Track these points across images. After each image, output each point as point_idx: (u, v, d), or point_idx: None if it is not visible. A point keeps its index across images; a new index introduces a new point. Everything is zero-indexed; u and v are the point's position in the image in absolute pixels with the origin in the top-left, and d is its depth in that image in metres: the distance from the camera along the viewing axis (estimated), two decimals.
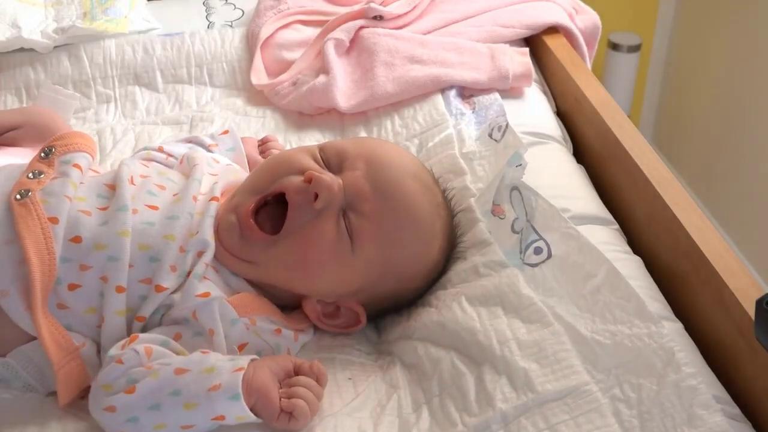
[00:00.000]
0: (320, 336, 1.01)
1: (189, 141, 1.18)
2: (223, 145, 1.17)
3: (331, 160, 0.98)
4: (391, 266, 0.97)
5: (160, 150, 1.13)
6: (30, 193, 0.93)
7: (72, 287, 0.90)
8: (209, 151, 1.16)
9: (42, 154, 1.00)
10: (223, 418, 0.83)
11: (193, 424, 0.83)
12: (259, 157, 1.20)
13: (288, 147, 1.34)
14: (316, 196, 0.93)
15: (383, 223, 0.95)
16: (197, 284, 0.91)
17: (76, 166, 0.98)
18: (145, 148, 1.15)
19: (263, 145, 1.24)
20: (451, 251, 1.04)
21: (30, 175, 0.96)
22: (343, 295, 0.98)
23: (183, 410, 0.82)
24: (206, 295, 0.91)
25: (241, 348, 0.91)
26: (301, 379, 0.88)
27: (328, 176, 0.94)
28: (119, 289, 0.90)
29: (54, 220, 0.92)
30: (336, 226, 0.94)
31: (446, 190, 1.07)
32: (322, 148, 1.00)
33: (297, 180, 0.95)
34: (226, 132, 1.20)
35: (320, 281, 0.97)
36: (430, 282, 1.02)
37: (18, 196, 0.93)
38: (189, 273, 0.93)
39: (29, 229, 0.90)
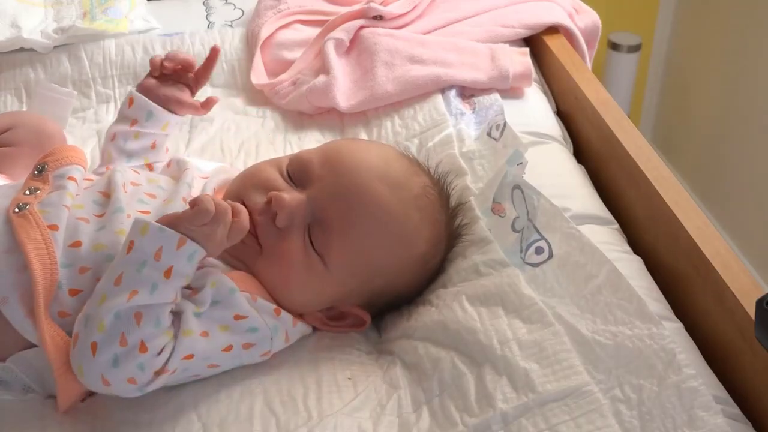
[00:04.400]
0: (320, 336, 1.00)
1: (114, 138, 1.13)
2: (140, 117, 1.12)
3: (298, 174, 0.98)
4: (373, 268, 0.97)
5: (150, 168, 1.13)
6: (28, 206, 0.94)
7: (73, 293, 0.90)
8: (138, 133, 1.13)
9: (35, 172, 1.00)
10: (170, 270, 0.83)
11: (138, 291, 0.83)
12: (168, 94, 1.13)
13: (288, 147, 1.34)
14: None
15: (350, 234, 0.94)
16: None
17: (71, 178, 0.99)
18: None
19: (169, 60, 1.13)
20: (449, 237, 1.03)
21: (26, 191, 0.97)
22: (334, 302, 0.98)
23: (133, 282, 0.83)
24: (199, 266, 0.91)
25: (238, 318, 0.90)
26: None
27: (287, 195, 0.94)
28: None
29: (54, 227, 0.92)
30: (302, 245, 0.94)
31: (441, 177, 1.06)
32: (290, 162, 1.00)
33: (260, 200, 0.95)
34: (131, 101, 1.12)
35: (305, 297, 0.97)
36: (428, 272, 1.02)
37: (16, 209, 0.94)
38: None
39: (29, 236, 0.91)
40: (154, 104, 1.13)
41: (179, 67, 1.14)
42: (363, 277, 0.97)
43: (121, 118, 1.14)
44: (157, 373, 0.85)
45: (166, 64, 1.13)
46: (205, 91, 1.50)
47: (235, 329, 0.90)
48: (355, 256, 0.95)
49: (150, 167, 1.14)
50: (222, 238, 0.87)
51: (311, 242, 0.94)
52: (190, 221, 0.85)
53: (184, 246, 0.84)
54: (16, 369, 0.90)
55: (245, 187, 0.98)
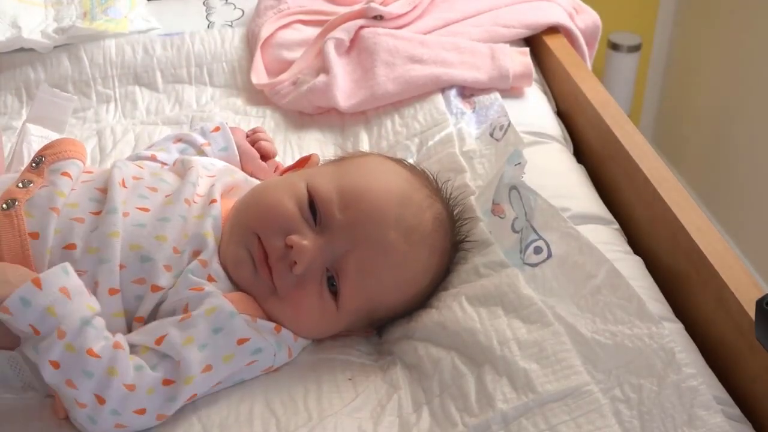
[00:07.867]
0: None
1: (180, 140, 1.16)
2: (215, 144, 1.16)
3: (318, 209, 0.95)
4: (380, 306, 0.98)
5: (153, 159, 1.12)
6: (17, 203, 0.93)
7: None
8: (201, 150, 1.15)
9: (33, 164, 0.99)
10: (33, 328, 0.84)
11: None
12: (250, 148, 1.18)
13: (288, 147, 1.34)
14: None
15: (364, 283, 0.94)
16: (191, 278, 0.91)
17: (65, 174, 0.97)
18: (137, 156, 1.13)
19: (253, 135, 1.22)
20: (452, 257, 1.03)
21: (20, 184, 0.96)
22: (337, 331, 0.99)
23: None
24: (199, 288, 0.90)
25: (241, 342, 0.90)
26: None
27: (308, 243, 0.92)
28: (112, 291, 0.89)
29: (34, 235, 0.91)
30: (319, 291, 0.93)
31: (450, 199, 1.05)
32: (311, 193, 0.96)
33: (278, 243, 0.93)
34: (217, 129, 1.18)
35: (311, 333, 0.98)
36: (428, 296, 1.02)
37: (4, 206, 0.93)
38: None
39: (8, 245, 0.90)
40: (234, 145, 1.17)
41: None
42: (369, 312, 0.98)
43: (201, 131, 1.18)
44: (161, 416, 0.86)
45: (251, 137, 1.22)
46: (205, 92, 1.51)
47: (239, 354, 0.90)
48: (367, 300, 0.96)
49: (154, 158, 1.13)
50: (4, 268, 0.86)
51: (329, 287, 0.94)
52: None
53: (6, 308, 0.83)
54: (22, 360, 0.89)
55: (262, 225, 0.95)
